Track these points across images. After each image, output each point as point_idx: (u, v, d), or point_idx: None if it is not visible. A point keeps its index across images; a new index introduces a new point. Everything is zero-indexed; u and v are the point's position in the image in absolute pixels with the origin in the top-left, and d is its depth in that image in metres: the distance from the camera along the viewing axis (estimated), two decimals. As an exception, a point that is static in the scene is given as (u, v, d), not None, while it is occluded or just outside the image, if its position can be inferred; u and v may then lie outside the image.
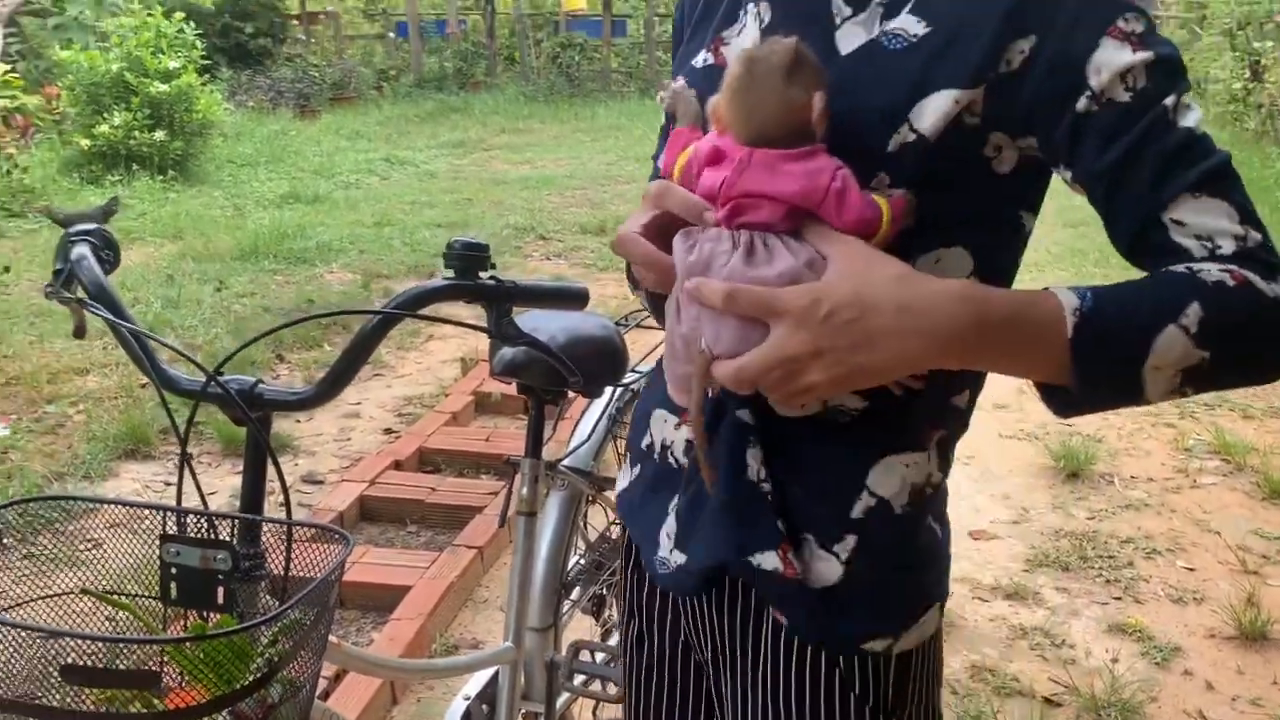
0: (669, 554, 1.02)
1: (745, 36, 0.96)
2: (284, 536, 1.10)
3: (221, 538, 1.10)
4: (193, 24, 9.61)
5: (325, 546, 1.14)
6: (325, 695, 2.25)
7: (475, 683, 1.76)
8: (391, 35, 17.21)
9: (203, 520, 1.10)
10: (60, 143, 8.91)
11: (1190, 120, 0.82)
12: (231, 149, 10.07)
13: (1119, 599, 2.87)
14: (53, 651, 0.84)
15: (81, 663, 0.84)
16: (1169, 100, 0.82)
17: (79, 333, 1.30)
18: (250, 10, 15.39)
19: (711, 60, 0.98)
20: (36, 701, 0.85)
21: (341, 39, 16.64)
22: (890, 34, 0.87)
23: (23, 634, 0.84)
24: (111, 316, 1.12)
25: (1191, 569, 3.02)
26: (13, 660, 0.85)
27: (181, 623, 1.08)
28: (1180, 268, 0.81)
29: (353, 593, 2.77)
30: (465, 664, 1.86)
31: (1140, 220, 0.83)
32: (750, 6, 0.97)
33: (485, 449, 3.66)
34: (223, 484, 3.34)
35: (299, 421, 4.09)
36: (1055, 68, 0.83)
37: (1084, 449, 3.63)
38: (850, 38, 0.89)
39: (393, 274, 6.20)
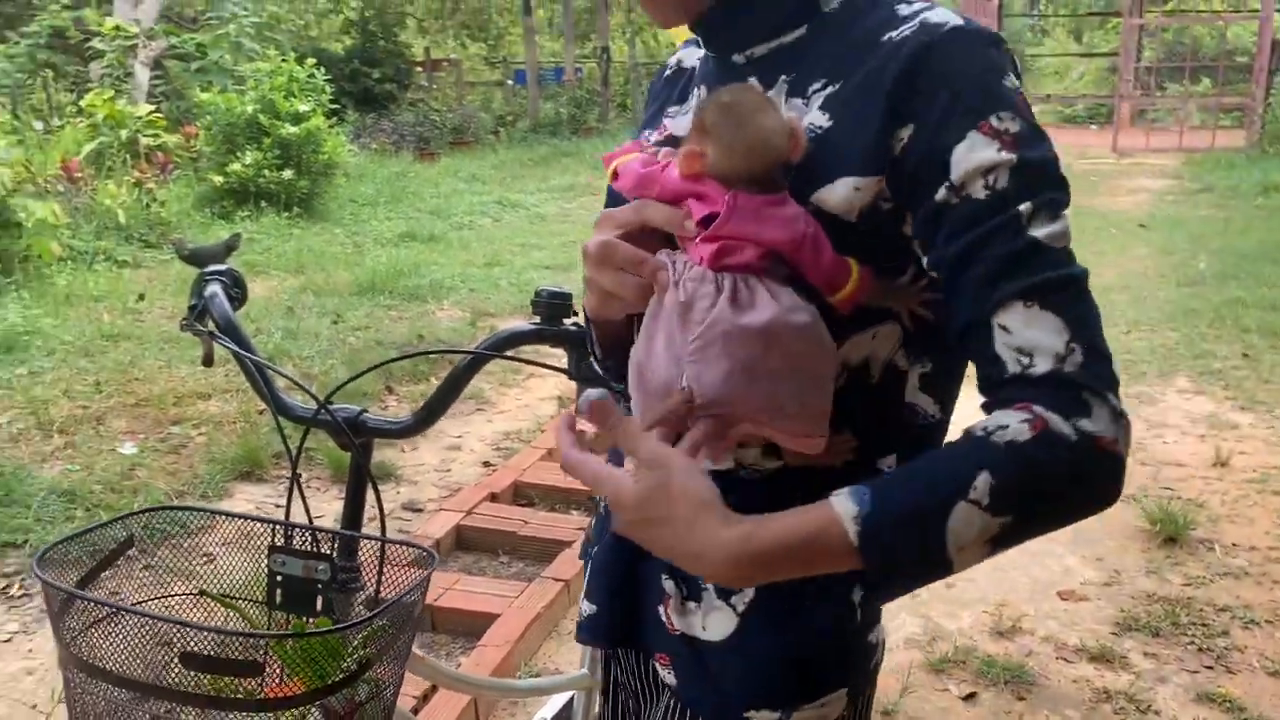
0: (583, 602, 1.08)
1: (686, 119, 0.99)
2: (379, 553, 1.21)
3: (323, 551, 1.21)
4: (323, 69, 10.12)
5: (414, 570, 1.24)
6: (414, 712, 2.36)
7: (551, 706, 1.85)
8: (510, 83, 17.77)
9: (307, 534, 1.22)
10: (195, 179, 9.45)
11: (1042, 231, 0.80)
12: (354, 188, 10.52)
13: (1210, 668, 2.80)
14: (175, 641, 0.96)
15: (198, 652, 0.95)
16: (1024, 207, 0.81)
17: (207, 361, 1.44)
18: (378, 57, 16.10)
19: (659, 136, 1.03)
20: (159, 684, 0.97)
21: (463, 85, 17.25)
22: (810, 123, 0.89)
23: (151, 623, 0.96)
24: (237, 349, 1.25)
25: (1291, 642, 2.93)
26: (142, 646, 0.97)
27: (284, 626, 1.20)
28: (978, 428, 0.80)
29: (444, 618, 2.89)
30: (543, 686, 1.95)
31: (970, 318, 0.82)
32: (694, 91, 1.03)
33: (575, 485, 3.75)
34: (328, 508, 3.52)
35: (404, 451, 4.27)
36: (925, 156, 0.83)
37: (1184, 514, 3.56)
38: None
39: (499, 312, 6.41)
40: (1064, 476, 0.78)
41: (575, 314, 1.28)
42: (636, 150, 0.94)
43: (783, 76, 0.92)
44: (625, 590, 1.04)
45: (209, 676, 0.97)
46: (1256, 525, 3.64)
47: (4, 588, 3.12)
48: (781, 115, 0.86)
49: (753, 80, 0.94)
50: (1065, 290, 0.80)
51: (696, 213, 0.85)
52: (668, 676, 1.01)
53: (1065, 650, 2.87)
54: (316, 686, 0.98)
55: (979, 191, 0.81)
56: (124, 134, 8.98)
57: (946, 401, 0.97)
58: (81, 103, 9.45)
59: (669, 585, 0.99)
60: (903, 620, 3.00)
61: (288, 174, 9.01)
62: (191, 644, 0.95)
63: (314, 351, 5.40)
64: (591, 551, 1.12)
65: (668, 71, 1.12)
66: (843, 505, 0.78)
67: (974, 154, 0.81)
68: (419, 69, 17.13)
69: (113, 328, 5.65)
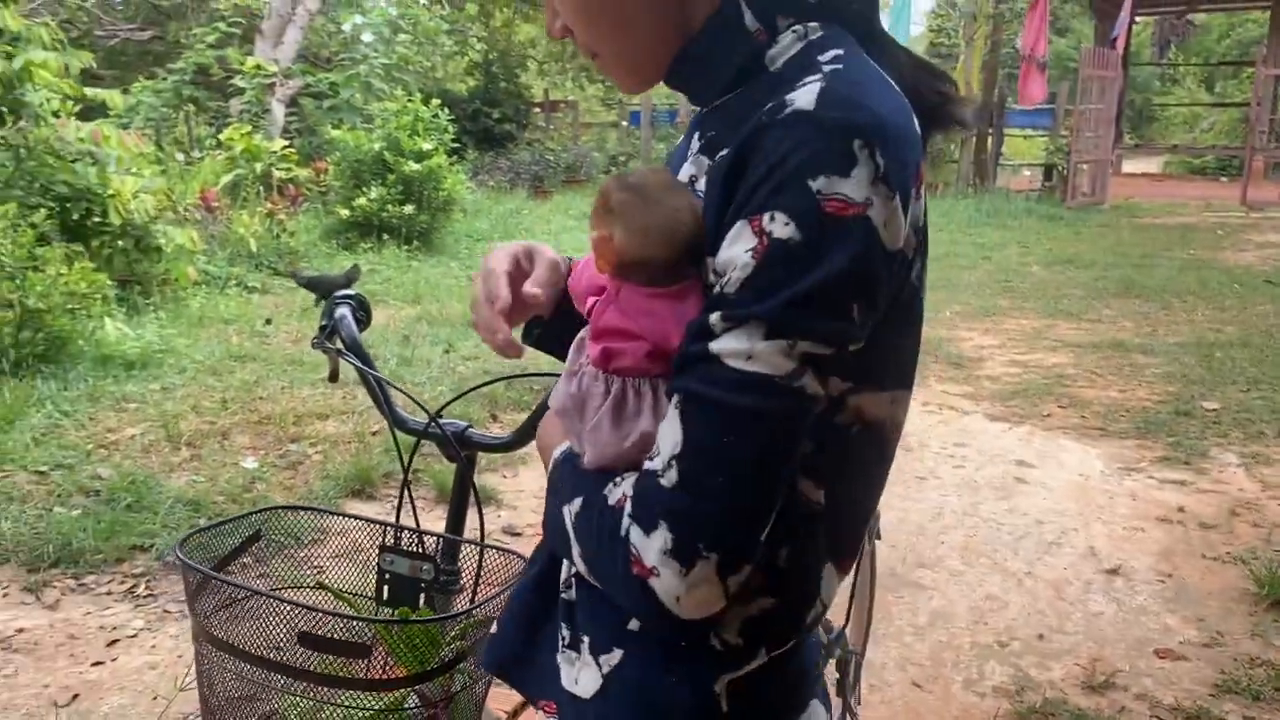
0: (493, 624, 1.09)
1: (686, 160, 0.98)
2: (478, 558, 1.32)
3: (428, 554, 1.32)
4: (446, 109, 10.52)
5: (512, 576, 1.34)
6: (503, 726, 2.45)
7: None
8: (625, 124, 18.11)
9: (414, 537, 1.33)
10: (323, 211, 9.91)
11: (725, 345, 0.76)
12: (470, 224, 10.88)
13: (1314, 736, 2.72)
14: (294, 623, 1.07)
15: (313, 633, 1.07)
16: (714, 315, 0.77)
17: (333, 377, 1.57)
18: (498, 98, 16.62)
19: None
20: (280, 661, 1.08)
21: (578, 126, 17.66)
22: (690, 178, 0.91)
23: (274, 605, 1.08)
24: (361, 365, 1.38)
25: (1403, 716, 2.82)
26: (265, 626, 1.09)
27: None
28: (626, 471, 0.83)
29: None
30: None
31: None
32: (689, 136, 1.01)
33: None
34: (430, 524, 3.68)
35: (505, 477, 4.41)
36: (719, 237, 0.81)
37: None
38: (686, 170, 0.93)
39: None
40: (603, 558, 0.82)
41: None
42: None
43: (710, 133, 0.91)
44: (531, 626, 1.01)
45: (323, 657, 1.08)
46: (1372, 594, 3.50)
47: (131, 587, 3.34)
48: (692, 197, 0.85)
49: (697, 134, 0.95)
50: (705, 409, 0.76)
51: (595, 306, 0.86)
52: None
53: (1160, 709, 2.82)
54: (416, 672, 1.08)
55: (719, 286, 0.79)
56: (258, 167, 9.51)
57: (836, 486, 0.87)
58: (220, 136, 10.02)
59: (565, 631, 0.96)
60: (992, 668, 2.98)
61: (409, 209, 9.38)
62: (309, 626, 1.06)
63: (425, 378, 5.61)
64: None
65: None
66: (560, 444, 0.92)
67: (732, 247, 0.78)
68: (537, 110, 17.62)
69: (240, 349, 5.98)
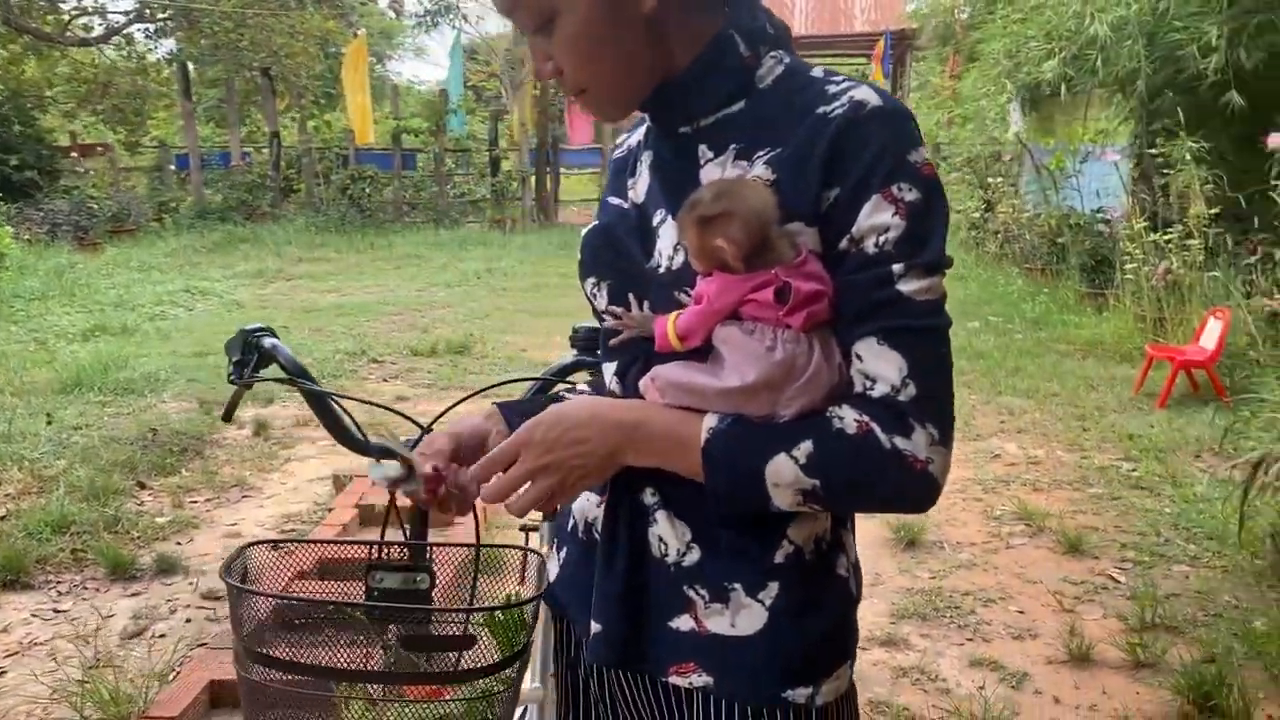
0: (591, 623, 1.12)
1: (641, 179, 1.14)
2: (474, 561, 1.38)
3: (420, 563, 1.36)
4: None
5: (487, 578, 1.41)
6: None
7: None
8: (172, 167, 16.91)
9: (401, 551, 1.36)
10: None
11: (910, 286, 0.97)
12: (17, 282, 9.66)
13: (971, 639, 3.37)
14: (393, 629, 1.10)
15: (416, 634, 1.11)
16: (898, 266, 0.97)
17: (229, 416, 1.53)
18: (13, 143, 14.80)
19: (624, 204, 1.16)
20: (377, 669, 1.10)
21: (117, 170, 16.20)
22: (754, 178, 1.03)
23: (369, 614, 1.10)
24: (317, 388, 1.38)
25: (1021, 612, 3.57)
26: (356, 641, 1.10)
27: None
28: (827, 411, 0.98)
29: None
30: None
31: (843, 340, 1.00)
32: (643, 157, 1.16)
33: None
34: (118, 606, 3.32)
35: (179, 545, 4.10)
36: (842, 211, 0.99)
37: (915, 521, 4.19)
38: (712, 175, 1.06)
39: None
40: (873, 474, 0.97)
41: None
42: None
43: (732, 144, 1.06)
44: (632, 611, 1.10)
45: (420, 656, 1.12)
46: (969, 526, 4.35)
47: None
48: (749, 182, 1.02)
49: (703, 146, 1.07)
50: (913, 335, 0.97)
51: (765, 297, 0.99)
52: (696, 680, 1.07)
53: (862, 640, 3.34)
54: (509, 654, 1.15)
55: (870, 246, 0.98)
56: None
57: None
58: None
59: (693, 593, 1.07)
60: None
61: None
62: (409, 630, 1.10)
63: (39, 453, 5.00)
64: (568, 580, 1.21)
65: (619, 151, 1.25)
66: (710, 419, 1.01)
67: (874, 216, 0.97)
68: (71, 154, 15.92)
69: None
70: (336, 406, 1.40)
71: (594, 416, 1.04)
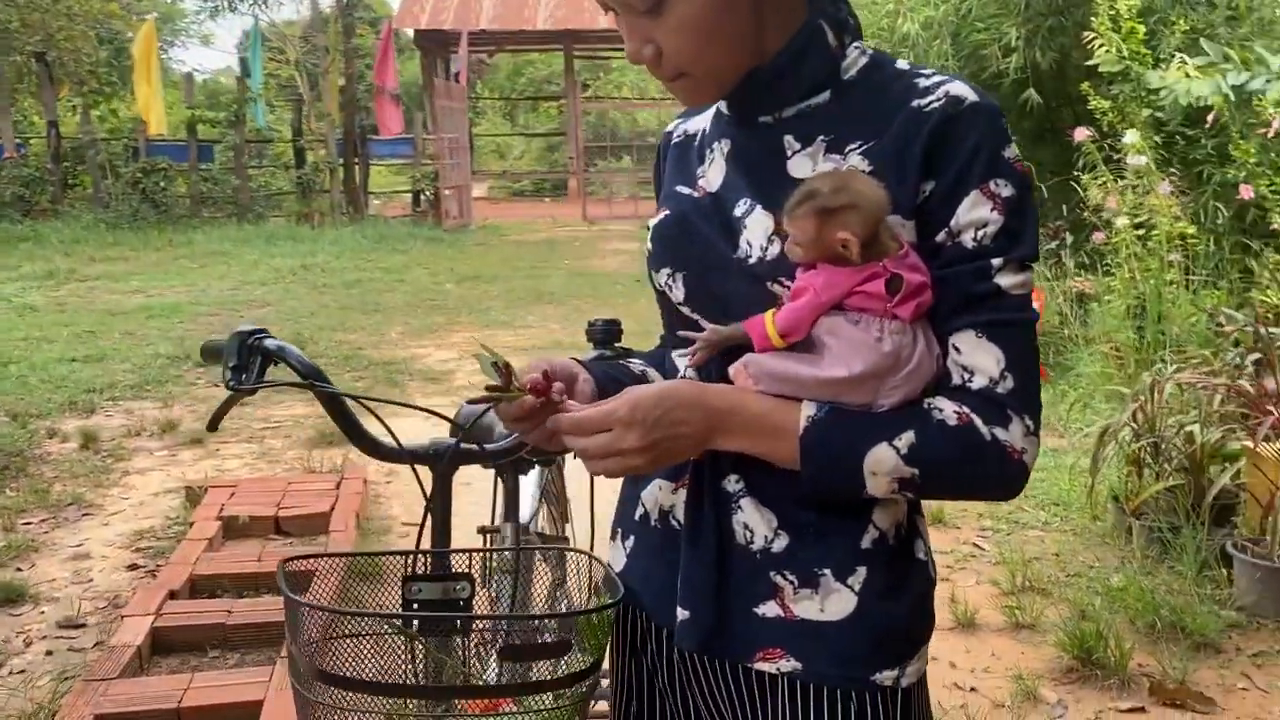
0: (678, 609, 1.11)
1: (714, 168, 1.14)
2: (514, 564, 1.33)
3: (459, 571, 1.30)
4: None
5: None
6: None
7: None
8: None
9: (438, 560, 1.30)
10: None
11: (1007, 281, 1.00)
12: None
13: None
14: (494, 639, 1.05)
15: (515, 644, 1.06)
16: (997, 261, 1.00)
17: (215, 424, 1.42)
18: None
19: (695, 193, 1.15)
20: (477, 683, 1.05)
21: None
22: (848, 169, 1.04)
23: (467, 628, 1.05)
24: (338, 391, 1.30)
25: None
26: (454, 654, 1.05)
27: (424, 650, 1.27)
28: (924, 401, 1.01)
29: (208, 717, 2.69)
30: None
31: (937, 332, 1.03)
32: (715, 145, 1.15)
33: (260, 569, 3.62)
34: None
35: (20, 570, 3.75)
36: (940, 204, 1.01)
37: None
38: (801, 166, 1.07)
39: (46, 412, 5.71)
40: (972, 463, 1.00)
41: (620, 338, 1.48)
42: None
43: (820, 136, 1.07)
44: (719, 597, 1.10)
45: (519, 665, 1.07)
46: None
47: None
48: (856, 174, 1.02)
49: (788, 137, 1.08)
50: (1010, 329, 1.01)
51: (875, 288, 1.00)
52: (784, 665, 1.08)
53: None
54: (598, 658, 1.12)
55: (968, 241, 1.01)
56: None
57: None
58: None
59: (781, 580, 1.08)
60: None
61: None
62: (509, 639, 1.05)
63: None
64: (641, 571, 1.19)
65: (677, 139, 1.24)
66: (808, 407, 1.02)
67: (973, 211, 1.00)
68: None
69: None
70: (356, 408, 1.31)
71: (697, 401, 1.03)
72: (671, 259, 1.14)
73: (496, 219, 16.80)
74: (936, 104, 1.02)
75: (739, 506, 1.09)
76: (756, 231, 1.06)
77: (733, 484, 1.10)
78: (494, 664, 1.24)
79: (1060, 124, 8.04)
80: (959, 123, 1.01)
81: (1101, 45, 6.41)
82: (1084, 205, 6.65)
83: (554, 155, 25.58)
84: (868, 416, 1.01)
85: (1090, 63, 6.59)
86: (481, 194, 23.65)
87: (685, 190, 1.16)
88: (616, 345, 1.48)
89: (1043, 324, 6.33)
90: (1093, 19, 6.41)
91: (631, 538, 1.21)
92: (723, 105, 1.16)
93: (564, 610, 1.23)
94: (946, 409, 1.01)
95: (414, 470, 1.32)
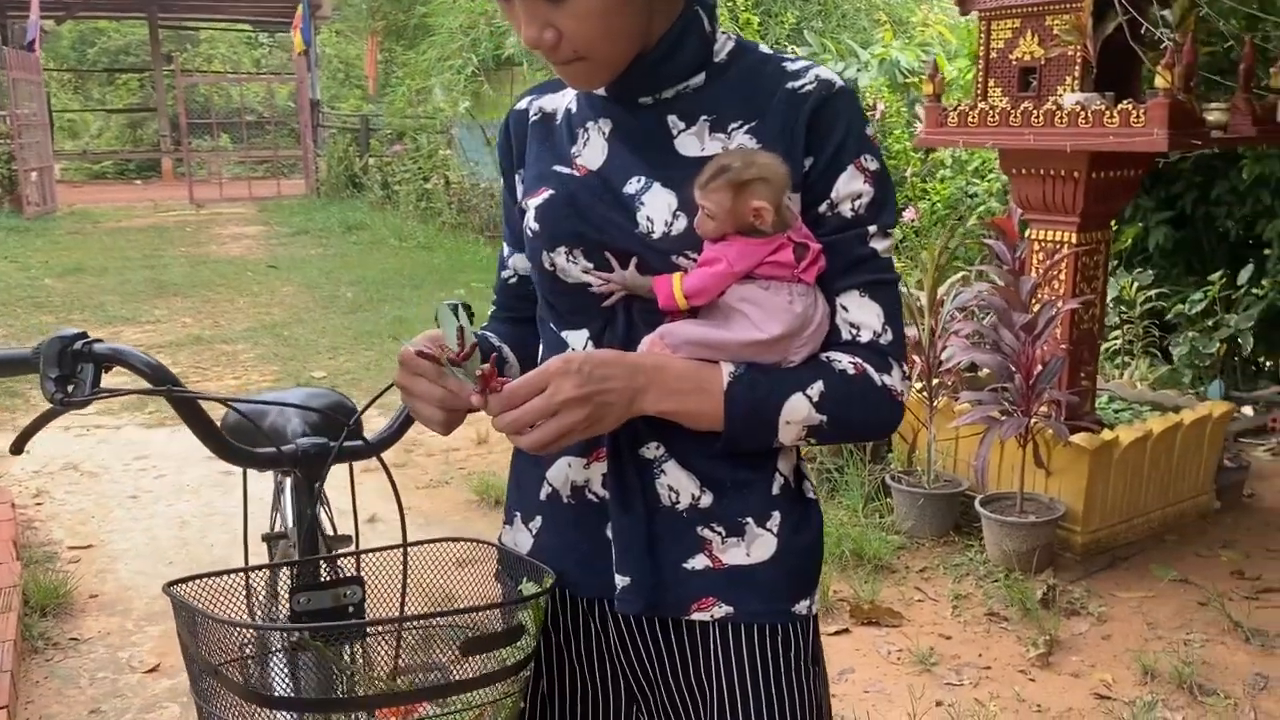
0: (617, 577, 1.15)
1: (591, 147, 1.17)
2: (404, 563, 1.26)
3: (347, 575, 1.23)
4: None
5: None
6: None
7: None
8: None
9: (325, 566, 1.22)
10: None
11: (880, 245, 1.12)
12: None
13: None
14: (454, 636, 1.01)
15: (474, 635, 1.02)
16: (872, 227, 1.12)
17: (19, 447, 1.24)
18: None
19: (575, 172, 1.17)
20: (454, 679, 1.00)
21: None
22: (738, 149, 1.10)
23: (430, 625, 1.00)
24: (195, 394, 1.16)
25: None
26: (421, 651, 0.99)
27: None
28: (821, 355, 1.11)
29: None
30: None
31: (826, 292, 1.12)
32: (590, 125, 1.18)
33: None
34: None
35: None
36: (818, 179, 1.11)
37: (495, 483, 4.32)
38: (689, 145, 1.13)
39: None
40: (868, 406, 1.12)
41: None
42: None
43: (702, 116, 1.13)
44: (649, 558, 1.15)
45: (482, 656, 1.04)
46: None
47: None
48: (755, 150, 1.10)
49: (672, 117, 1.14)
50: (886, 287, 1.13)
51: (785, 257, 1.07)
52: (717, 611, 1.15)
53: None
54: (539, 644, 1.11)
55: (847, 211, 1.12)
56: None
57: None
58: None
59: (708, 533, 1.15)
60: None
61: None
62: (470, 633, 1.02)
63: None
64: (558, 545, 1.21)
65: (535, 117, 1.25)
66: (727, 366, 1.09)
67: (850, 184, 1.11)
68: None
69: None
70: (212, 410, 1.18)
71: (620, 357, 1.07)
72: (567, 237, 1.15)
73: (85, 204, 15.05)
74: (810, 86, 1.12)
75: (662, 471, 1.15)
76: (658, 208, 1.11)
77: (653, 450, 1.14)
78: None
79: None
80: (833, 104, 1.12)
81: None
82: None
83: (137, 133, 23.37)
84: (781, 370, 1.10)
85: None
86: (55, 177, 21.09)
87: (564, 170, 1.18)
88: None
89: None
90: (713, 9, 6.88)
91: (538, 518, 1.23)
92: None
93: (501, 600, 1.19)
94: (843, 360, 1.11)
95: (294, 473, 1.21)
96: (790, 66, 1.14)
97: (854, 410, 1.11)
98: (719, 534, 1.15)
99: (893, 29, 7.57)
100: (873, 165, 1.12)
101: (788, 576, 1.17)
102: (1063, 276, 3.71)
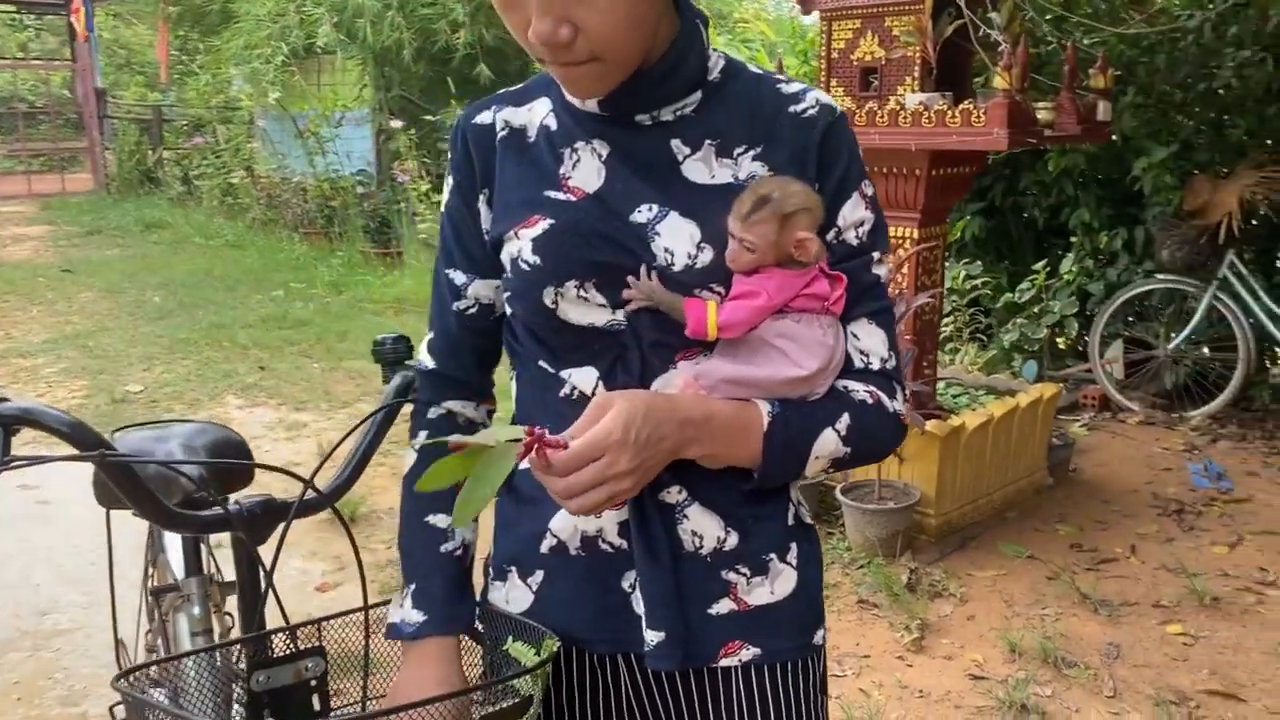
0: (648, 633, 1.07)
1: (584, 169, 1.08)
2: (365, 625, 1.17)
3: (306, 648, 1.13)
4: None
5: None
6: None
7: None
8: None
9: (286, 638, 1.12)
10: None
11: (882, 271, 1.11)
12: None
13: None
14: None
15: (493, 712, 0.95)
16: (875, 254, 1.11)
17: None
18: None
19: (570, 197, 1.08)
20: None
21: None
22: (750, 175, 1.06)
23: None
24: (127, 457, 1.04)
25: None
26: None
27: None
28: (839, 385, 1.08)
29: None
30: None
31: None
32: (580, 144, 1.09)
33: None
34: None
35: None
36: (826, 207, 1.07)
37: (361, 498, 4.12)
38: (698, 172, 1.07)
39: None
40: (884, 434, 1.11)
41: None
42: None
43: (706, 140, 1.07)
44: (682, 609, 1.08)
45: None
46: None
47: None
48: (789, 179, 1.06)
49: (676, 141, 1.07)
50: (887, 314, 1.12)
51: (820, 289, 1.05)
52: (744, 655, 1.10)
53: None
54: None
55: (852, 238, 1.09)
56: None
57: None
58: None
59: (733, 576, 1.10)
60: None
61: None
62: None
63: None
64: (569, 599, 1.13)
65: (502, 132, 1.13)
66: (763, 405, 1.05)
67: (854, 212, 1.09)
68: None
69: None
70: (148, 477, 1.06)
71: (671, 413, 0.99)
72: (578, 270, 1.06)
73: None
74: (813, 111, 1.09)
75: (685, 515, 1.09)
76: (679, 239, 1.04)
77: (675, 494, 1.08)
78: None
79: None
80: (838, 129, 1.09)
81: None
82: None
83: None
84: (809, 406, 1.06)
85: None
86: None
87: (559, 195, 1.08)
88: (407, 363, 1.34)
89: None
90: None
91: (539, 572, 1.14)
92: (584, 104, 1.09)
93: (492, 664, 1.11)
94: (860, 390, 1.09)
95: (243, 537, 1.10)
96: (785, 89, 1.10)
97: (873, 439, 1.10)
98: (744, 575, 1.11)
99: (715, 24, 7.70)
100: (870, 191, 1.11)
101: (809, 608, 1.15)
102: (905, 270, 3.86)
